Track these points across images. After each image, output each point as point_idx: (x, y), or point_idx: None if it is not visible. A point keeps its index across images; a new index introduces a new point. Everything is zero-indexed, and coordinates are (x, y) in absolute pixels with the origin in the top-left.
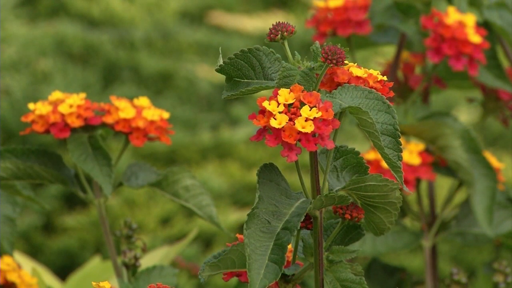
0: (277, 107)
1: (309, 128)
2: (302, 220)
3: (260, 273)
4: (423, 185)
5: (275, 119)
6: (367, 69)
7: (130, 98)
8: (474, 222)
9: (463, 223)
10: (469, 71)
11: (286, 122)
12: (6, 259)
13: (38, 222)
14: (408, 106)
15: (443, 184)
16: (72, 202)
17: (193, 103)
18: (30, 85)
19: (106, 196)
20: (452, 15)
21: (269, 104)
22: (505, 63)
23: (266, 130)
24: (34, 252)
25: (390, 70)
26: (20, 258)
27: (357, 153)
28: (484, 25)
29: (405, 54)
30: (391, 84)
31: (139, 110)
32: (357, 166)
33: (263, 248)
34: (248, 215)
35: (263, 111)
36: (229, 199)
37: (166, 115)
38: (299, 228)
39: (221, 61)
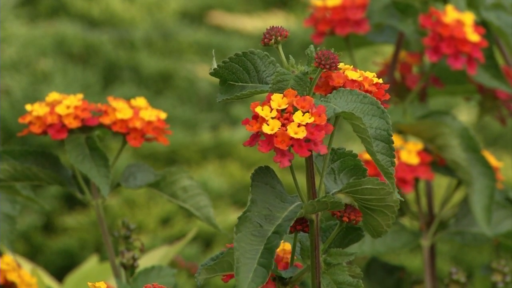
0: (270, 112)
1: (301, 133)
2: (292, 224)
3: (248, 276)
4: (422, 184)
5: (268, 124)
6: (363, 72)
7: (130, 98)
8: (472, 221)
9: (462, 223)
10: (468, 70)
11: (279, 128)
12: (6, 258)
13: (38, 222)
14: (406, 105)
15: (442, 183)
16: (72, 202)
17: (193, 103)
18: (30, 85)
19: (103, 197)
20: (450, 14)
21: (262, 110)
22: (501, 63)
23: (259, 135)
24: (34, 252)
25: (388, 70)
26: (18, 259)
27: (355, 155)
28: (481, 26)
29: (402, 54)
30: (387, 86)
31: (136, 110)
32: (355, 169)
33: (253, 252)
34: (239, 218)
35: (256, 116)
36: (229, 199)
37: (163, 115)
38: (288, 232)
39: (215, 65)
